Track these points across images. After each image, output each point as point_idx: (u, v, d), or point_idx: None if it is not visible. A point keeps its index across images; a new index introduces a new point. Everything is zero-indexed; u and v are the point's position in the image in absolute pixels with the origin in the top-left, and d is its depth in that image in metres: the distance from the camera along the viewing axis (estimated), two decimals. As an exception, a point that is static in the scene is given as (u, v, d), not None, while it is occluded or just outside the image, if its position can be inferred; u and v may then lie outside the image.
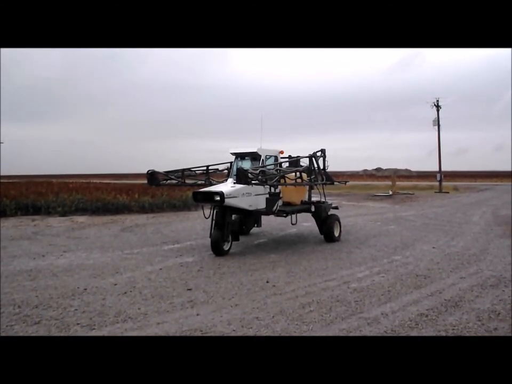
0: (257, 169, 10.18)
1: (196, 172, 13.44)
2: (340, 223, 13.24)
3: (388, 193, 36.17)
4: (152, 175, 11.96)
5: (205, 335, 5.63)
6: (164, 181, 12.53)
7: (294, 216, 12.60)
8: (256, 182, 10.14)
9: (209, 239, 11.08)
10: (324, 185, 13.34)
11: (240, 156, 12.32)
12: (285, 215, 12.20)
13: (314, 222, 13.23)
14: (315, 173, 12.38)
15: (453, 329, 5.79)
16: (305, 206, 12.82)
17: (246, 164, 11.96)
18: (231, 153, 12.34)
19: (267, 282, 8.26)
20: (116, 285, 8.15)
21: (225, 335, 5.64)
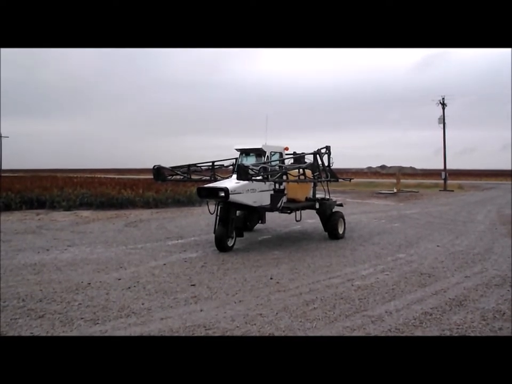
0: (258, 166, 10.16)
1: (202, 167, 13.43)
2: (344, 220, 13.21)
3: (393, 191, 36.08)
4: (158, 171, 11.95)
5: (208, 334, 5.63)
6: (170, 177, 12.53)
7: (298, 213, 12.58)
8: (258, 178, 10.11)
9: (213, 235, 11.08)
10: (328, 182, 13.33)
11: (245, 152, 12.31)
12: (289, 211, 12.19)
13: (319, 219, 13.21)
14: (319, 169, 12.34)
15: (458, 328, 5.77)
16: (309, 203, 12.80)
17: (251, 160, 11.95)
18: (236, 149, 12.33)
19: (271, 278, 8.25)
20: (119, 279, 8.16)
21: (228, 332, 5.64)
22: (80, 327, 5.78)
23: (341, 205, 14.23)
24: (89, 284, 7.87)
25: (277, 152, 12.18)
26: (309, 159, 12.49)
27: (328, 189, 13.40)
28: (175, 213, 19.67)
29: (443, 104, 43.83)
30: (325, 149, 12.90)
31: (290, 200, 12.43)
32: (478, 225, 16.11)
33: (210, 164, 13.37)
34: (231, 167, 13.39)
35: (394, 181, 40.61)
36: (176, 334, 5.54)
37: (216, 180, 12.55)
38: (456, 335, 5.58)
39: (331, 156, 13.10)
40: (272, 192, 11.51)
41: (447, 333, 5.62)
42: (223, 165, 13.71)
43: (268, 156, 11.71)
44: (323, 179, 12.73)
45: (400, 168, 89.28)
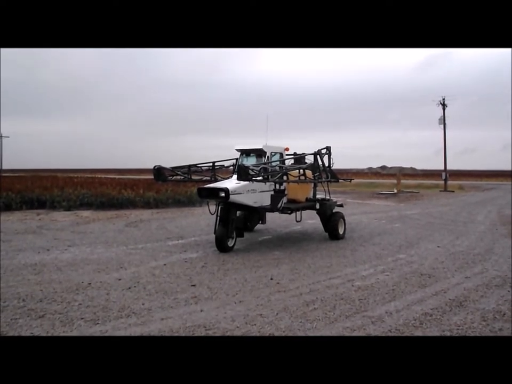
0: (259, 166, 10.16)
1: (202, 168, 13.44)
2: (344, 220, 13.21)
3: (393, 191, 36.06)
4: (158, 171, 11.95)
5: (208, 334, 5.63)
6: (170, 177, 12.53)
7: (298, 213, 12.58)
8: (258, 178, 10.11)
9: (213, 235, 11.08)
10: (329, 183, 13.33)
11: (245, 153, 12.31)
12: (289, 212, 12.19)
13: (319, 220, 13.20)
14: (320, 170, 12.35)
15: (458, 329, 5.76)
16: (310, 204, 12.79)
17: (251, 161, 11.95)
18: (236, 149, 12.33)
19: (271, 279, 8.25)
20: (120, 280, 8.16)
21: (229, 332, 5.64)
22: (81, 327, 5.78)
23: (341, 205, 14.23)
24: (90, 284, 7.87)
25: (277, 152, 12.18)
26: (309, 159, 12.49)
27: (328, 190, 13.41)
28: (176, 213, 19.66)
29: (443, 105, 43.89)
30: (325, 150, 12.91)
31: (290, 201, 12.43)
32: (479, 225, 16.11)
33: (211, 164, 13.37)
34: (231, 167, 13.39)
35: (395, 181, 40.60)
36: (176, 334, 5.54)
37: (216, 180, 12.55)
38: (456, 335, 5.57)
39: (331, 157, 13.11)
40: (272, 192, 11.51)
41: (447, 334, 5.62)
42: (223, 165, 13.72)
43: (268, 156, 11.71)
44: (323, 179, 12.73)
45: (401, 169, 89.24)
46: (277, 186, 11.74)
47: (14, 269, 8.90)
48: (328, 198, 13.39)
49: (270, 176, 10.48)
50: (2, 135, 78.59)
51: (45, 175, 43.48)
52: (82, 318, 6.09)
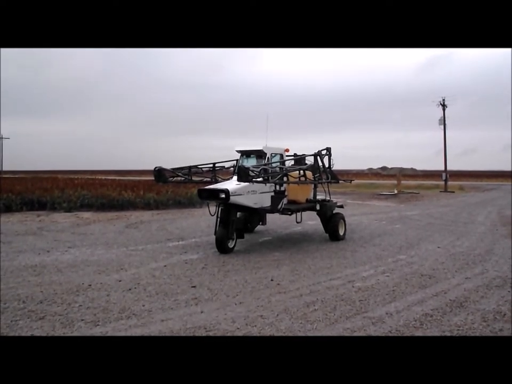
0: (259, 167, 10.16)
1: (203, 169, 13.45)
2: (344, 221, 13.20)
3: (393, 192, 36.05)
4: (159, 172, 11.97)
5: (208, 334, 5.62)
6: (171, 178, 12.54)
7: (299, 214, 12.57)
8: (258, 180, 10.11)
9: (213, 237, 11.08)
10: (329, 184, 13.33)
11: (245, 154, 12.31)
12: (290, 213, 12.19)
13: (319, 221, 13.20)
14: (320, 171, 12.35)
15: (458, 329, 5.75)
16: (310, 205, 12.79)
17: (252, 162, 11.95)
18: (236, 150, 12.34)
19: (271, 280, 8.24)
20: (120, 281, 8.15)
21: (229, 333, 5.63)
22: (81, 328, 5.77)
23: (341, 206, 14.23)
24: (90, 285, 7.86)
25: (277, 153, 12.18)
26: (310, 160, 12.50)
27: (328, 190, 13.40)
28: (176, 214, 19.67)
29: (443, 105, 43.94)
30: (325, 150, 12.91)
31: (290, 202, 12.41)
32: (479, 226, 16.10)
33: (211, 165, 13.39)
34: (231, 168, 13.39)
35: (395, 182, 40.61)
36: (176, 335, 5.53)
37: (217, 182, 12.56)
38: (457, 335, 5.56)
39: (331, 157, 13.11)
40: (272, 193, 11.51)
41: (448, 335, 5.61)
42: (224, 166, 13.73)
43: (268, 158, 11.71)
44: (323, 180, 12.73)
45: (401, 169, 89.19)
46: (277, 187, 11.74)
47: (14, 270, 8.90)
48: (329, 199, 13.40)
49: (270, 177, 10.49)
50: (3, 136, 78.72)
51: (45, 177, 43.50)
52: (82, 320, 6.09)
